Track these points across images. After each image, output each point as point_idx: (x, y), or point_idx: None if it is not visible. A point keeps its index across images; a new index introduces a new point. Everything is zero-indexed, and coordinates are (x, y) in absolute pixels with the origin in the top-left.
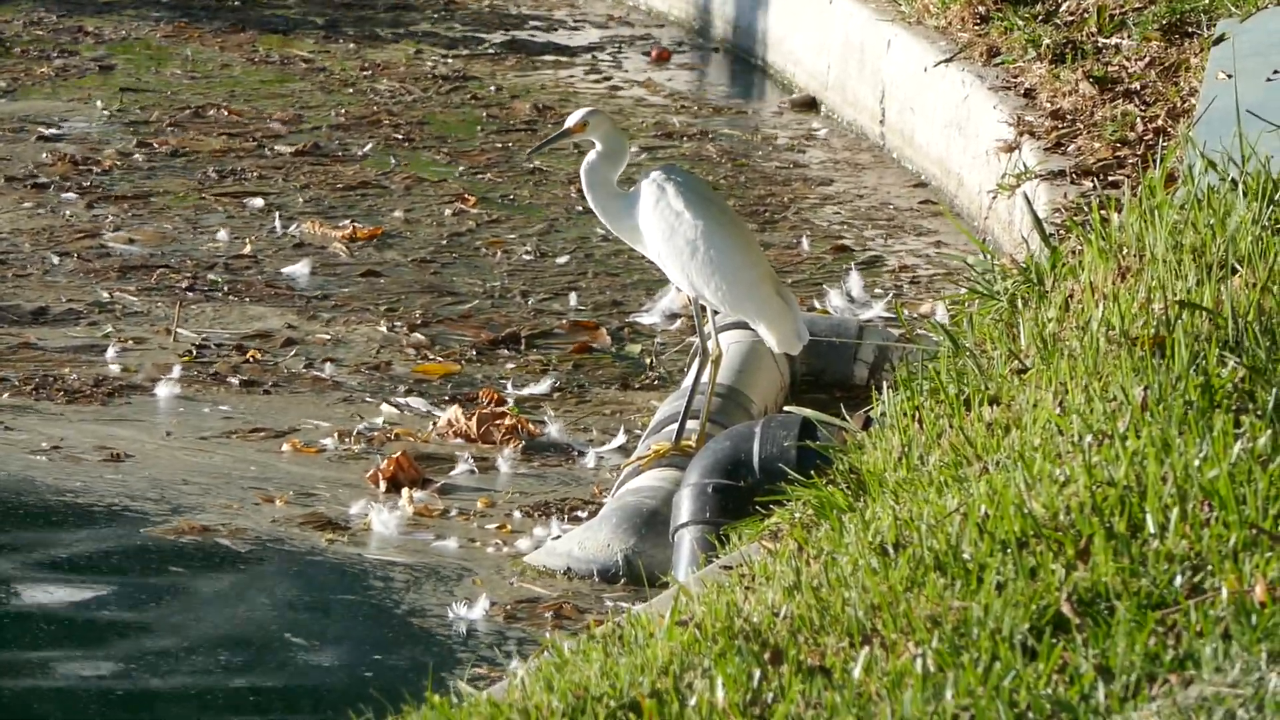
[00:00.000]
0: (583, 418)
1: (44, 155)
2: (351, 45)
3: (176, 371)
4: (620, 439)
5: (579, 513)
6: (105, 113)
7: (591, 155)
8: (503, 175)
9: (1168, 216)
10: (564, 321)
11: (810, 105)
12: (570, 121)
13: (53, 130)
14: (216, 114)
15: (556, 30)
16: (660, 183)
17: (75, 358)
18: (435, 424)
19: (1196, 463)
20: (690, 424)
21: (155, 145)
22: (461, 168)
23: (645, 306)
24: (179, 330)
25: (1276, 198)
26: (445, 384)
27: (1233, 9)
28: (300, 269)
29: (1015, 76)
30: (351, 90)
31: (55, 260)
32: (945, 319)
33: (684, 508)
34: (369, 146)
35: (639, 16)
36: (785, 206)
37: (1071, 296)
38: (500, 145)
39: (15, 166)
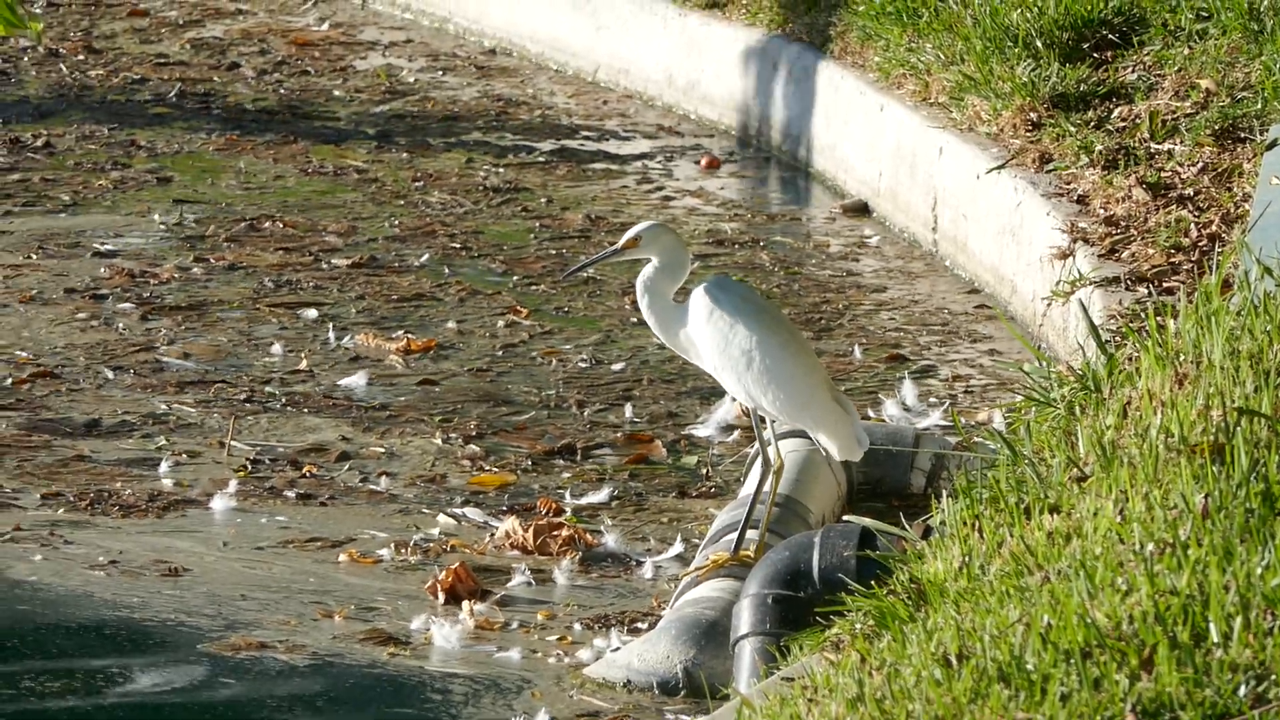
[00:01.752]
0: (640, 526)
1: (101, 270)
2: (404, 155)
3: (232, 486)
4: (678, 548)
5: (638, 624)
6: (162, 226)
7: (649, 269)
8: (556, 286)
9: (1224, 323)
10: (619, 435)
11: (862, 211)
12: (622, 240)
13: (109, 245)
14: (272, 227)
15: (607, 140)
16: (713, 294)
17: (127, 471)
18: (492, 535)
19: (1259, 571)
20: (749, 534)
21: (212, 260)
22: (516, 278)
23: (701, 419)
24: (234, 443)
25: None
26: (501, 495)
27: None
28: (356, 381)
29: (1068, 183)
30: (404, 202)
31: (109, 374)
32: (1002, 427)
33: (744, 619)
34: (424, 257)
35: (689, 126)
36: (839, 314)
37: (1129, 404)
38: (554, 254)
39: (72, 280)
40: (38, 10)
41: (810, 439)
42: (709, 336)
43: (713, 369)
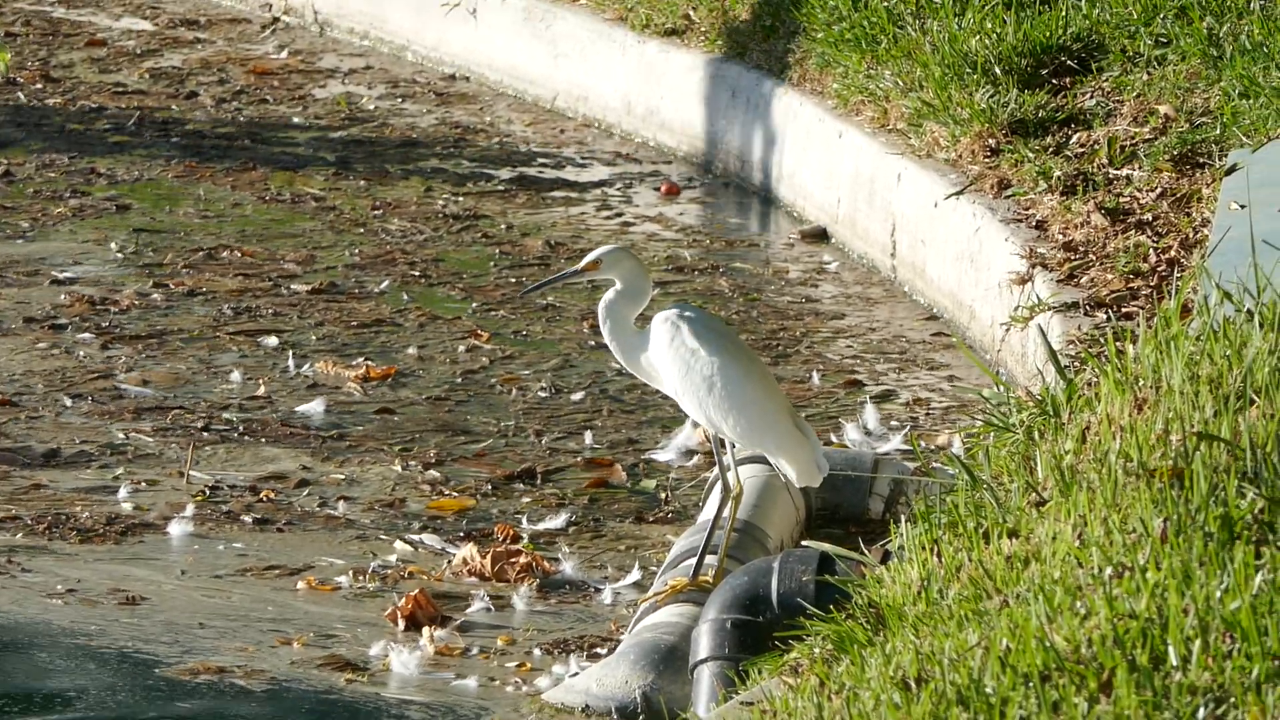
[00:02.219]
0: (598, 554)
1: (61, 297)
2: (362, 182)
3: (190, 510)
4: (635, 574)
5: (598, 649)
6: (120, 254)
7: (610, 293)
8: (515, 311)
9: (1184, 348)
10: (579, 460)
11: (821, 237)
12: (583, 261)
13: (68, 273)
14: (230, 255)
15: (565, 166)
16: (674, 320)
17: (86, 498)
18: (450, 562)
19: (1218, 594)
20: (708, 559)
21: (172, 285)
22: (475, 304)
23: (661, 444)
24: (192, 472)
25: None
26: (460, 520)
27: (1244, 139)
28: (314, 408)
29: (1027, 209)
30: (363, 230)
31: (68, 402)
32: (961, 452)
33: (703, 643)
34: (384, 284)
35: (648, 153)
36: (798, 340)
37: (1088, 428)
38: (514, 281)
39: (32, 308)
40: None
41: (770, 465)
42: (670, 362)
43: (674, 394)
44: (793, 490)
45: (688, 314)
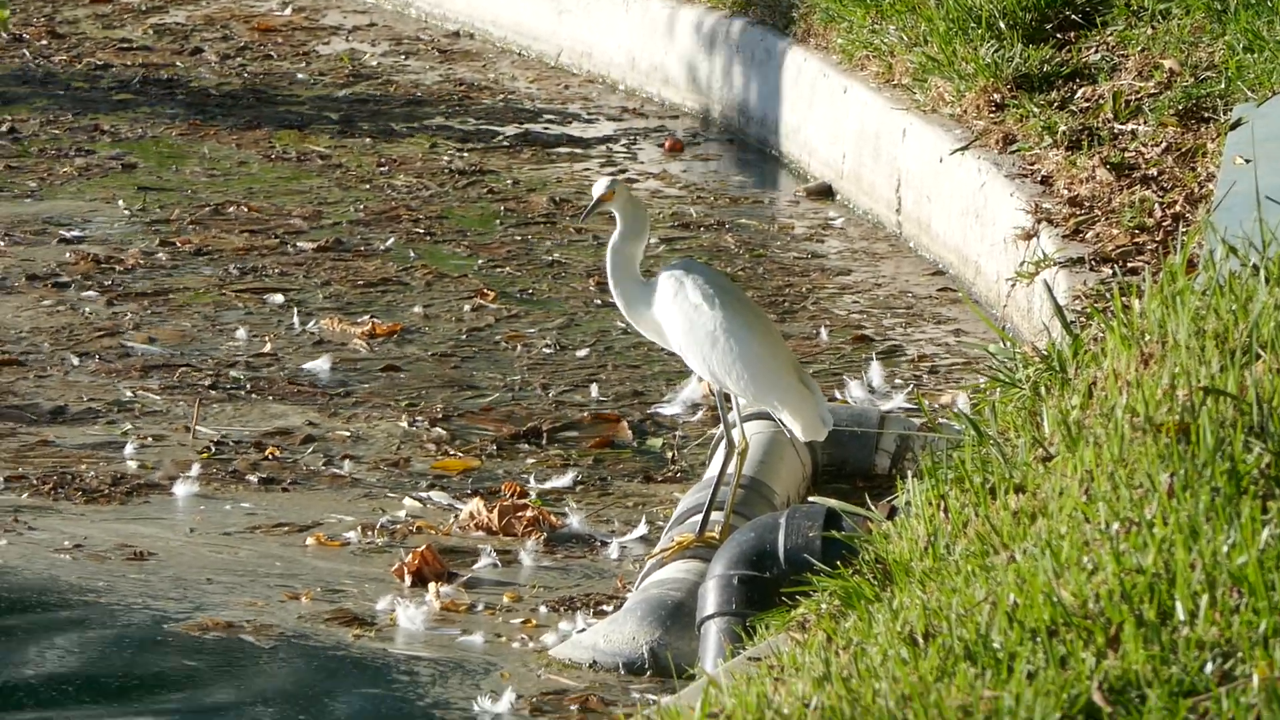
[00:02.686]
0: (604, 509)
1: (67, 255)
2: (367, 140)
3: (195, 469)
4: (642, 529)
5: (604, 606)
6: (127, 212)
7: (615, 236)
8: (521, 268)
9: (1189, 303)
10: (585, 414)
11: (826, 193)
12: (599, 190)
13: (74, 232)
14: (237, 211)
15: (570, 123)
16: (679, 276)
17: (93, 454)
18: (456, 517)
19: (1225, 549)
20: (714, 515)
21: (178, 244)
22: (481, 261)
23: (666, 398)
24: (198, 428)
25: None
26: (465, 479)
27: (1249, 94)
28: (320, 365)
29: (1032, 164)
30: (369, 186)
31: (75, 360)
32: (967, 408)
33: (710, 599)
34: (390, 241)
35: (652, 108)
36: (804, 296)
37: (1094, 384)
38: (519, 238)
39: (38, 266)
40: None
41: (775, 421)
42: (675, 317)
43: (679, 349)
44: (799, 446)
45: (693, 269)
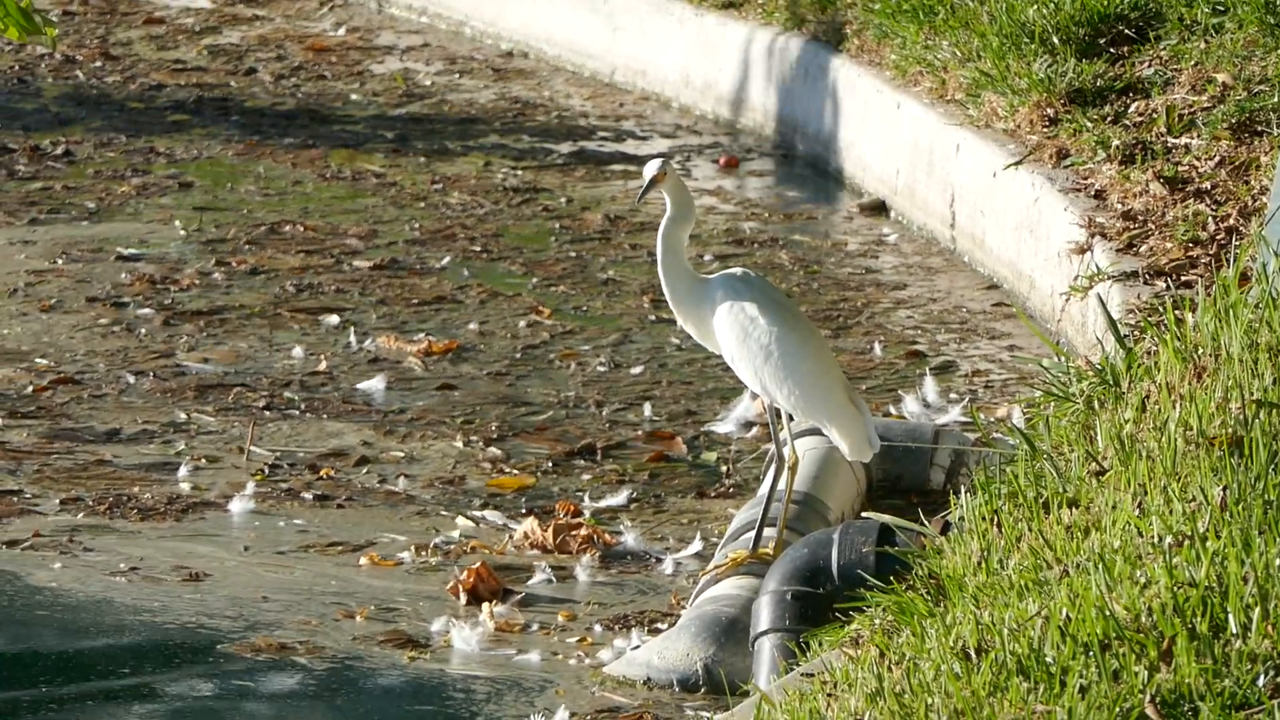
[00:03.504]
0: (659, 526)
1: (123, 276)
2: (421, 159)
3: (250, 488)
4: (697, 545)
5: (658, 624)
6: (183, 232)
7: (666, 219)
8: (576, 286)
9: (1242, 316)
10: (639, 432)
11: (880, 209)
12: (651, 171)
13: (131, 251)
14: (292, 230)
15: (625, 140)
16: (735, 285)
17: (147, 476)
18: (511, 536)
19: (1278, 562)
20: (768, 531)
21: (234, 264)
22: (535, 279)
23: (720, 415)
24: (253, 448)
25: None
26: (520, 498)
27: None
28: (376, 384)
29: (1085, 178)
30: (423, 204)
31: (130, 380)
32: (1021, 422)
33: (763, 615)
34: (445, 260)
35: (706, 125)
36: (858, 312)
37: (1148, 397)
38: (574, 255)
39: (94, 287)
40: (54, 18)
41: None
42: (729, 328)
43: (730, 359)
44: (853, 462)
45: (750, 281)
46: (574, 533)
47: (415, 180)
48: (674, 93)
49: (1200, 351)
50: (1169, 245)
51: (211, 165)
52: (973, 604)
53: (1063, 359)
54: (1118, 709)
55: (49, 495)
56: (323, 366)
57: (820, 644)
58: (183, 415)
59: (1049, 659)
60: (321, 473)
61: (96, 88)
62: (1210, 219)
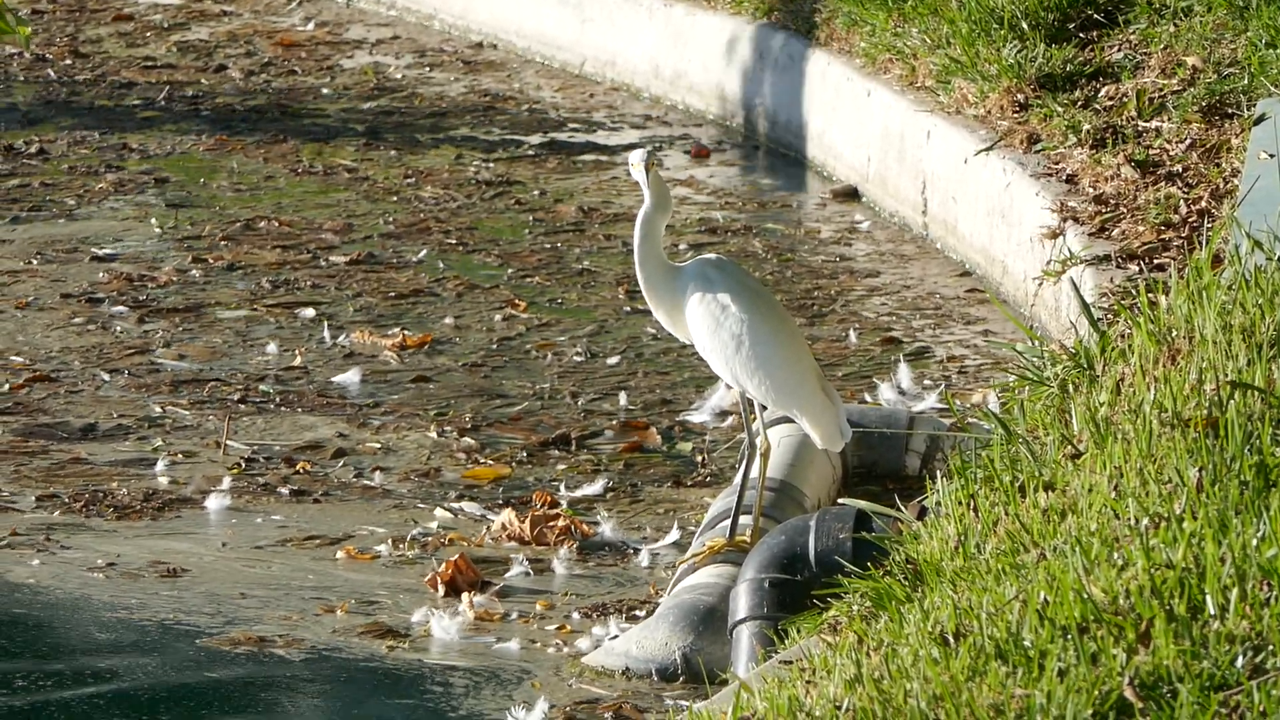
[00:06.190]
0: (635, 516)
1: (99, 274)
2: (393, 152)
3: (226, 483)
4: (674, 535)
5: (636, 612)
6: (159, 230)
7: (644, 209)
8: (551, 277)
9: (1216, 298)
10: (614, 422)
11: (852, 196)
12: (638, 159)
13: (106, 250)
14: (268, 226)
15: (595, 131)
16: (708, 274)
17: (124, 472)
18: (489, 528)
19: (1254, 542)
20: (744, 519)
21: (210, 260)
22: (511, 271)
23: (695, 405)
24: (229, 443)
25: None
26: (496, 488)
27: (1271, 89)
28: (350, 378)
29: (1056, 163)
30: (396, 198)
31: (105, 377)
32: (996, 407)
33: (741, 604)
34: (421, 253)
35: (676, 116)
36: (832, 299)
37: (1122, 380)
38: (549, 247)
39: (70, 285)
40: (23, 16)
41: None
42: (700, 317)
43: (702, 350)
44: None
45: (724, 268)
46: (551, 524)
47: (388, 174)
48: (644, 83)
49: (1174, 334)
50: (1141, 229)
51: (183, 161)
52: (950, 589)
53: (1037, 343)
54: (1096, 692)
55: (25, 493)
56: (297, 361)
57: (798, 631)
58: (158, 410)
59: (1027, 643)
60: (298, 467)
61: (66, 85)
62: (1182, 202)
